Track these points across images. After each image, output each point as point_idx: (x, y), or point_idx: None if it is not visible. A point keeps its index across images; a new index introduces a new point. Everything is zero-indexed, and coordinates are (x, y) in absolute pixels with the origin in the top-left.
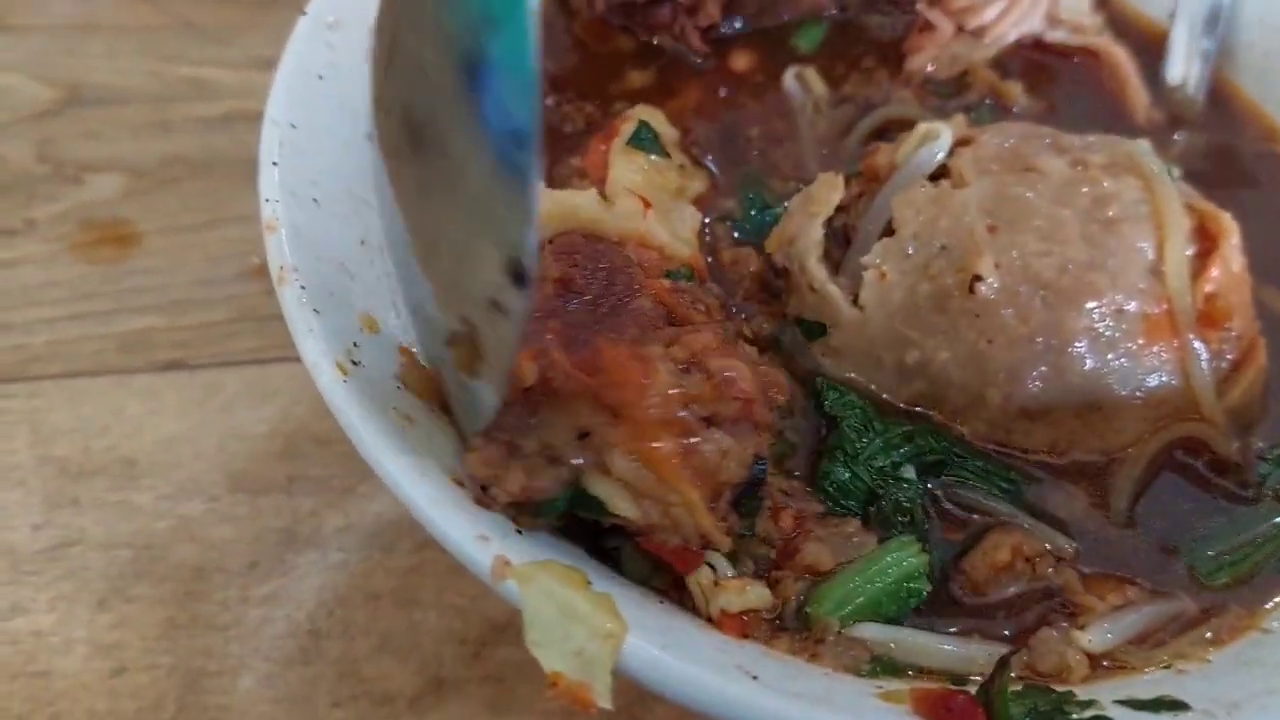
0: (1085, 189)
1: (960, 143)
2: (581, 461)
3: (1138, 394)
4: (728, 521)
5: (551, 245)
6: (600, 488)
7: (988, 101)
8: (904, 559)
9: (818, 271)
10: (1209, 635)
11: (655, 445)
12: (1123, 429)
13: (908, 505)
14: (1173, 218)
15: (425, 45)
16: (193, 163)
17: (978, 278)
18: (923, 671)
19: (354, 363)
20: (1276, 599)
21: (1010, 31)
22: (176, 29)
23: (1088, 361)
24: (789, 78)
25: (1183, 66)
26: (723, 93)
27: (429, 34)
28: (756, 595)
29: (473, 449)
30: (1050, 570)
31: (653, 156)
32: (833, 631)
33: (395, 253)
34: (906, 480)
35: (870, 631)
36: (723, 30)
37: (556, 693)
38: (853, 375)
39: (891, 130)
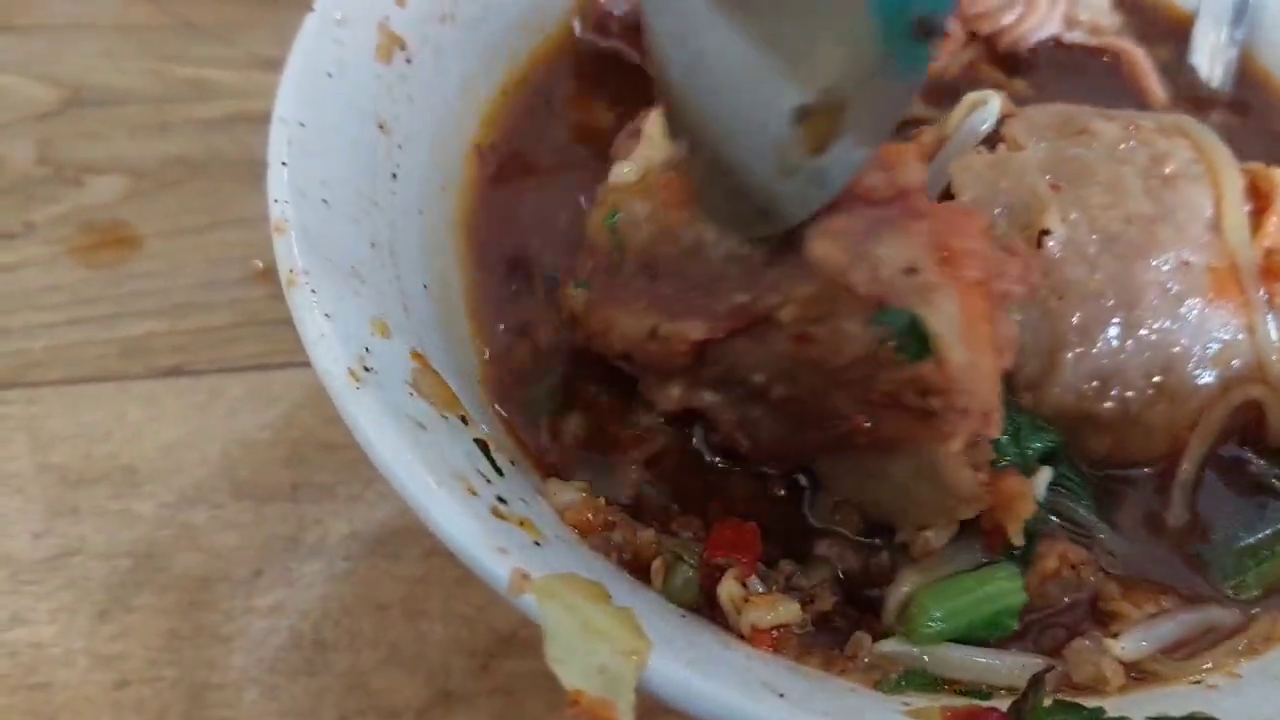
0: (1140, 148)
1: (1005, 116)
2: (917, 288)
3: (1205, 351)
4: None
5: None
6: (938, 323)
7: None
8: (1009, 593)
9: None
10: (1240, 647)
11: (975, 302)
12: (1192, 391)
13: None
14: (1228, 174)
15: None
16: (194, 164)
17: (1045, 232)
18: (951, 684)
19: (366, 369)
20: None
21: (1029, 36)
22: (177, 29)
23: (1158, 317)
24: None
25: (1208, 59)
26: None
27: None
28: (787, 610)
29: (826, 231)
30: (1092, 578)
31: None
32: (923, 643)
33: (681, 61)
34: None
35: (901, 646)
36: None
37: (578, 711)
38: None
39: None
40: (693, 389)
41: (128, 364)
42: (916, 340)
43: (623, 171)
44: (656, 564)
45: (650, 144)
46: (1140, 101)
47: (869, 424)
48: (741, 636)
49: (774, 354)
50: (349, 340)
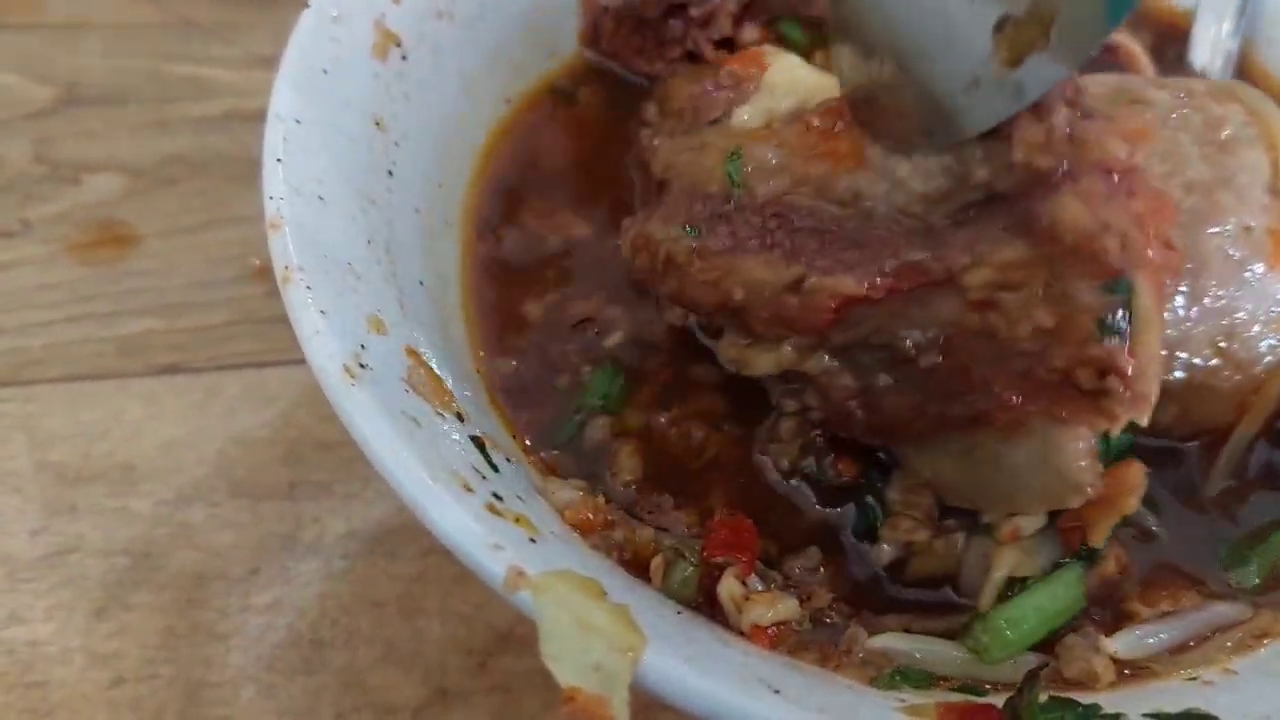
0: (1195, 115)
1: None
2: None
3: (1270, 314)
4: None
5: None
6: (1145, 301)
7: None
8: (1074, 603)
9: None
10: (1232, 642)
11: (1159, 286)
12: (1252, 357)
13: None
14: None
15: None
16: (191, 163)
17: None
18: (945, 680)
19: (362, 365)
20: None
21: None
22: (176, 27)
23: (1222, 283)
24: None
25: (1208, 54)
26: None
27: None
28: (786, 607)
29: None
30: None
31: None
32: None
33: None
34: None
35: (895, 642)
36: (743, 39)
37: (573, 708)
38: None
39: None
40: (811, 351)
41: (125, 362)
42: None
43: (743, 117)
44: (656, 561)
45: (770, 94)
46: None
47: (1018, 400)
48: (741, 634)
49: (938, 319)
50: (344, 337)
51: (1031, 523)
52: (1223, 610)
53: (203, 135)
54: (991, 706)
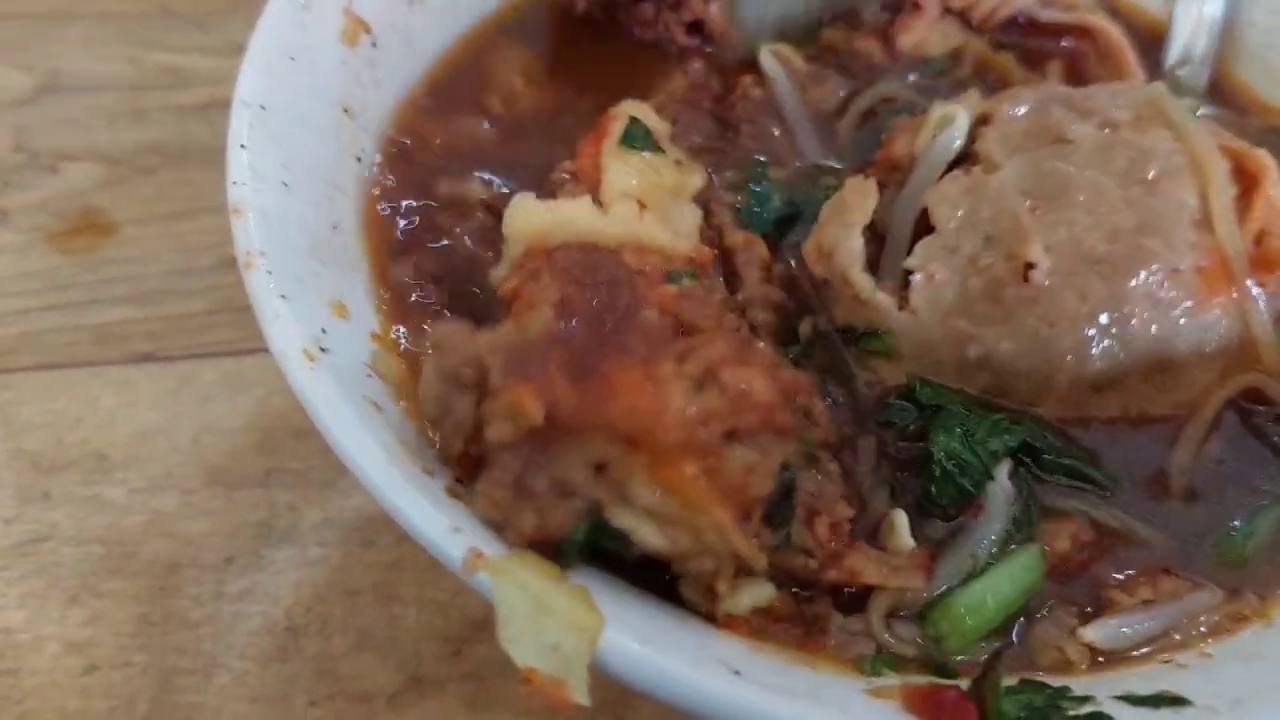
0: (1120, 151)
1: (979, 121)
2: (600, 495)
3: (1202, 348)
4: (760, 538)
5: (549, 261)
6: (624, 519)
7: (982, 80)
8: (1031, 587)
9: (864, 282)
10: (1208, 626)
11: (678, 470)
12: (1190, 384)
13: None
14: (1211, 163)
15: None
16: (169, 152)
17: (1030, 265)
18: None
19: (322, 349)
20: None
21: (1001, 9)
22: (155, 16)
23: (1151, 326)
24: (765, 55)
25: (1185, 45)
26: (709, 82)
27: None
28: (763, 593)
29: (478, 493)
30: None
31: (646, 154)
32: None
33: None
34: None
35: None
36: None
37: (531, 690)
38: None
39: (881, 109)
40: None
41: (101, 350)
42: (619, 539)
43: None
44: None
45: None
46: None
47: None
48: (719, 625)
49: None
50: (305, 321)
51: None
52: (1203, 598)
53: (181, 124)
54: (956, 688)
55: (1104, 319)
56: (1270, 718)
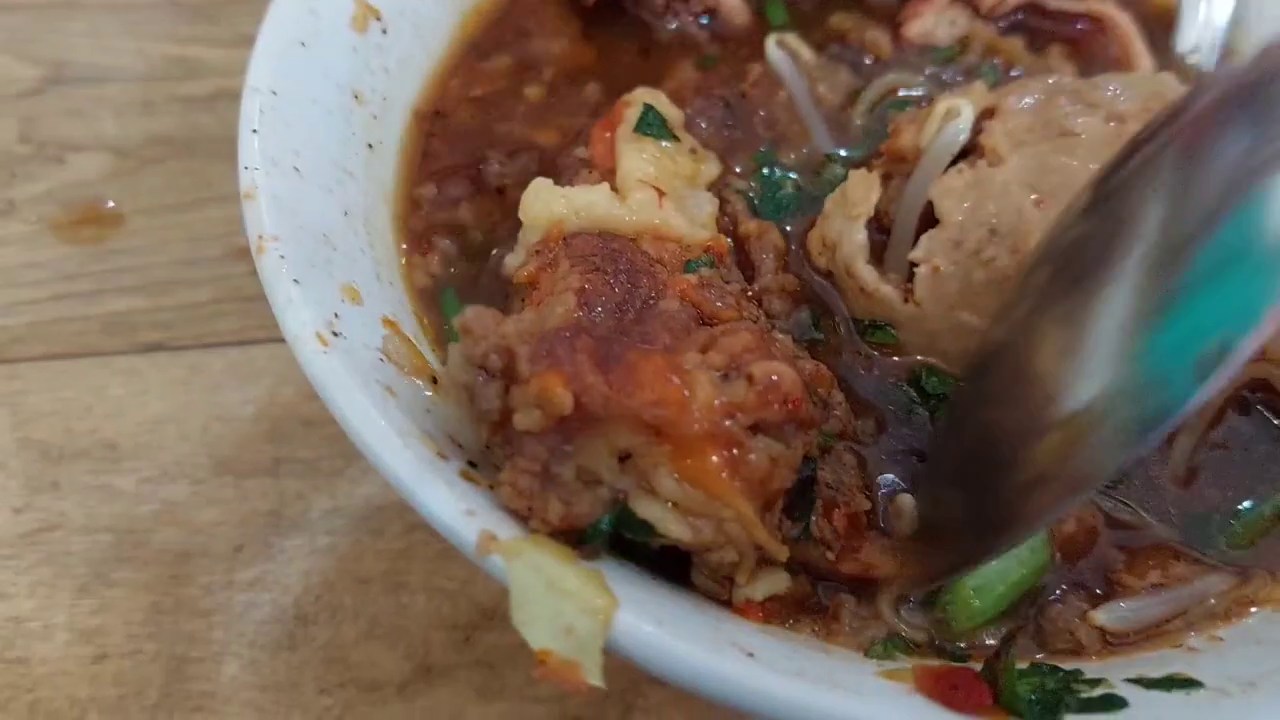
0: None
1: (985, 113)
2: (625, 485)
3: None
4: (782, 530)
5: (566, 248)
6: (648, 509)
7: (990, 64)
8: (1038, 569)
9: (868, 275)
10: (1220, 609)
11: (702, 461)
12: None
13: None
14: None
15: None
16: (177, 142)
17: None
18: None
19: (335, 334)
20: None
21: None
22: (162, 6)
23: None
24: (771, 46)
25: (1195, 34)
26: (721, 70)
27: None
28: (779, 581)
29: (503, 481)
30: (1102, 543)
31: (663, 143)
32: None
33: None
34: None
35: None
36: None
37: (545, 671)
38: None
39: (889, 99)
40: None
41: (109, 340)
42: (644, 528)
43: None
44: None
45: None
46: (1124, 70)
47: None
48: (735, 610)
49: None
50: (318, 305)
51: None
52: (1213, 581)
53: (189, 115)
54: (970, 670)
55: None
56: None
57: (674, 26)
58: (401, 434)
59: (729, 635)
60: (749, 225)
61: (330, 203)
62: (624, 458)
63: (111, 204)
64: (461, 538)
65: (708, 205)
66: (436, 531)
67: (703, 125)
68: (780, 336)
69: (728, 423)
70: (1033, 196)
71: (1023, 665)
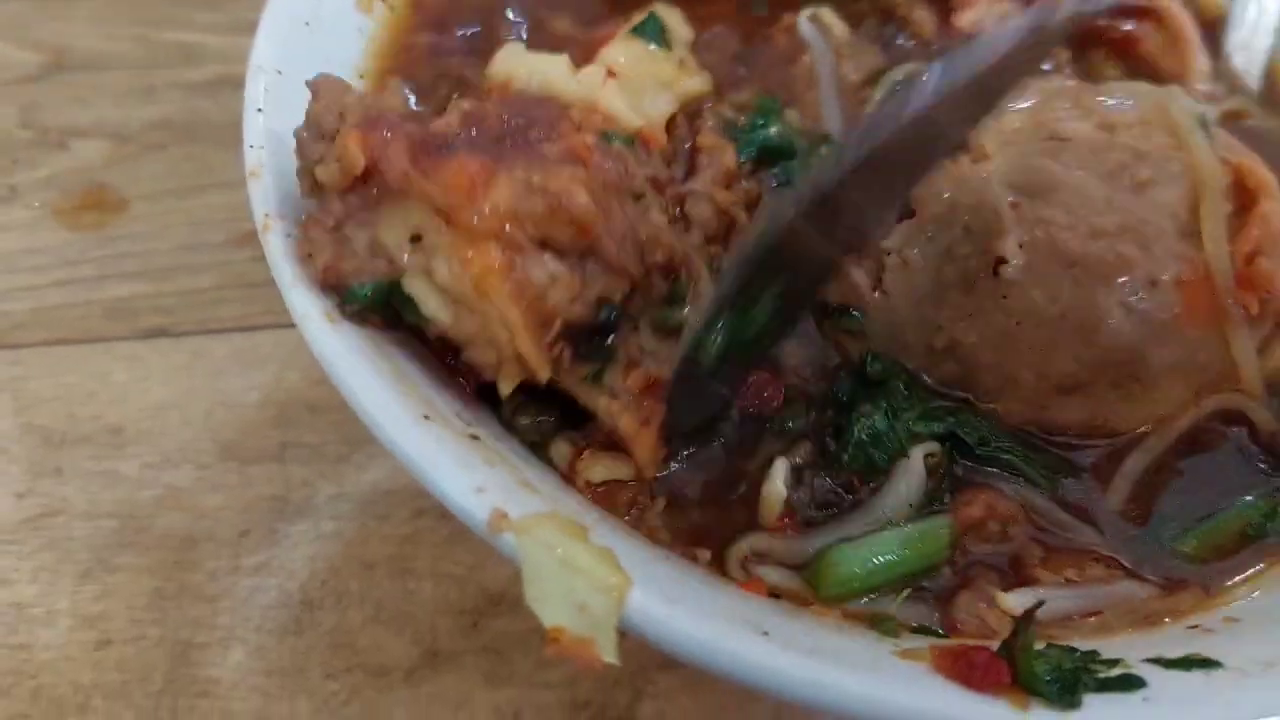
0: (1114, 153)
1: None
2: (410, 265)
3: (1175, 364)
4: (554, 353)
5: (500, 97)
6: (415, 286)
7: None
8: (930, 544)
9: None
10: (1133, 620)
11: (480, 253)
12: (1162, 399)
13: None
14: (1207, 174)
15: None
16: (178, 128)
17: (1001, 260)
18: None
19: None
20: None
21: None
22: None
23: (1122, 336)
24: (803, 21)
25: (1244, 47)
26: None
27: None
28: (620, 469)
29: (299, 228)
30: (1017, 536)
31: (651, 46)
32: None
33: None
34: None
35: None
36: None
37: (558, 649)
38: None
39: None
40: None
41: (111, 325)
42: (409, 304)
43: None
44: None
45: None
46: (1174, 72)
47: None
48: (580, 492)
49: None
50: None
51: None
52: (1133, 587)
53: (190, 100)
54: (987, 649)
55: (1072, 323)
56: None
57: None
58: (409, 411)
59: (743, 613)
60: (707, 138)
61: None
62: (415, 238)
63: (113, 189)
64: (472, 515)
65: (664, 106)
66: (444, 514)
67: (709, 53)
68: (656, 214)
69: (509, 226)
70: (1011, 197)
71: (1039, 645)
